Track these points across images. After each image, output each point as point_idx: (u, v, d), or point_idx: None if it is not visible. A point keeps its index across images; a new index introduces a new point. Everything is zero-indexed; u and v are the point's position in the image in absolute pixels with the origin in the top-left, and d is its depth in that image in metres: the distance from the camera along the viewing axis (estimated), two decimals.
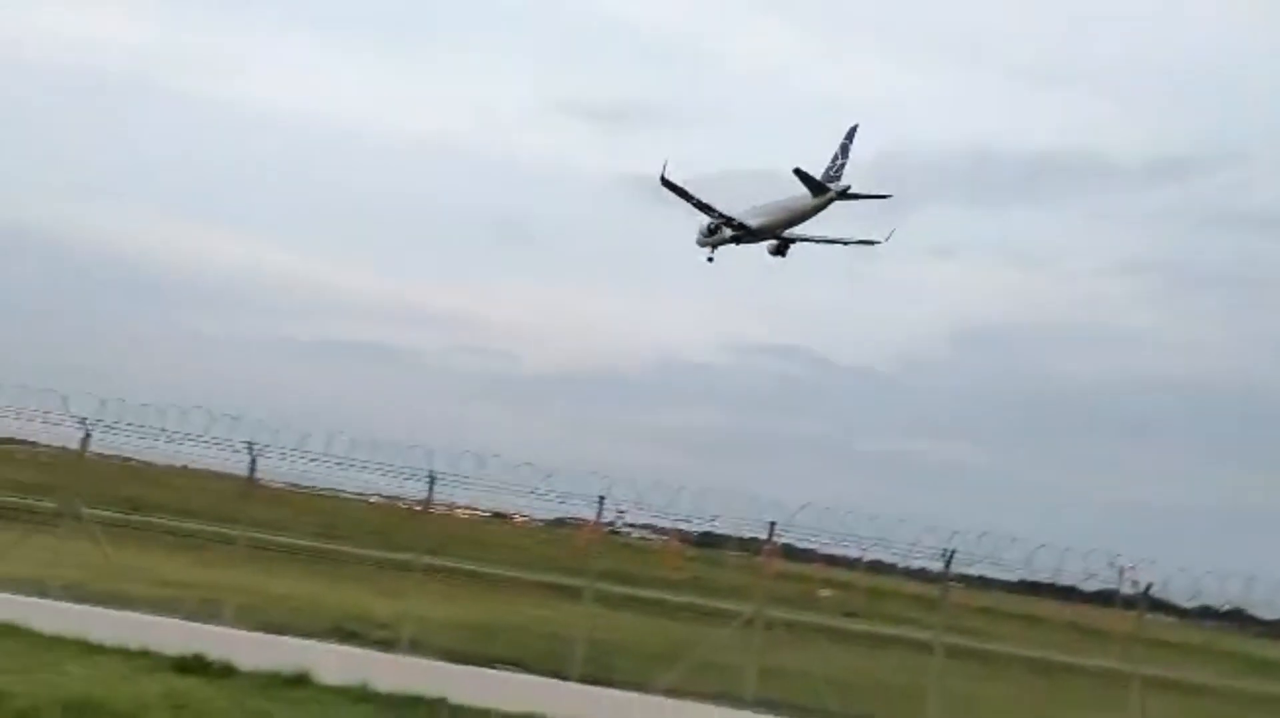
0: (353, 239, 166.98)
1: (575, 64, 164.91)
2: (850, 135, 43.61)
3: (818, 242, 46.88)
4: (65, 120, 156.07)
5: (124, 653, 14.21)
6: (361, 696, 13.84)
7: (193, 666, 13.91)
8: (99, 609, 15.74)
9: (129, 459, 25.80)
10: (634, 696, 15.11)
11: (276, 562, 25.09)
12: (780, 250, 47.84)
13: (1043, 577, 16.80)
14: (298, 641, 15.70)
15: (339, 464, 17.05)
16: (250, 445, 16.41)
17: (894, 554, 19.25)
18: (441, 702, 13.91)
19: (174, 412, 16.46)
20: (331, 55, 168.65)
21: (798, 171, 42.17)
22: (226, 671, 13.94)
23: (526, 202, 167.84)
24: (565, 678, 15.29)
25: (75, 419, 16.76)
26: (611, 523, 19.13)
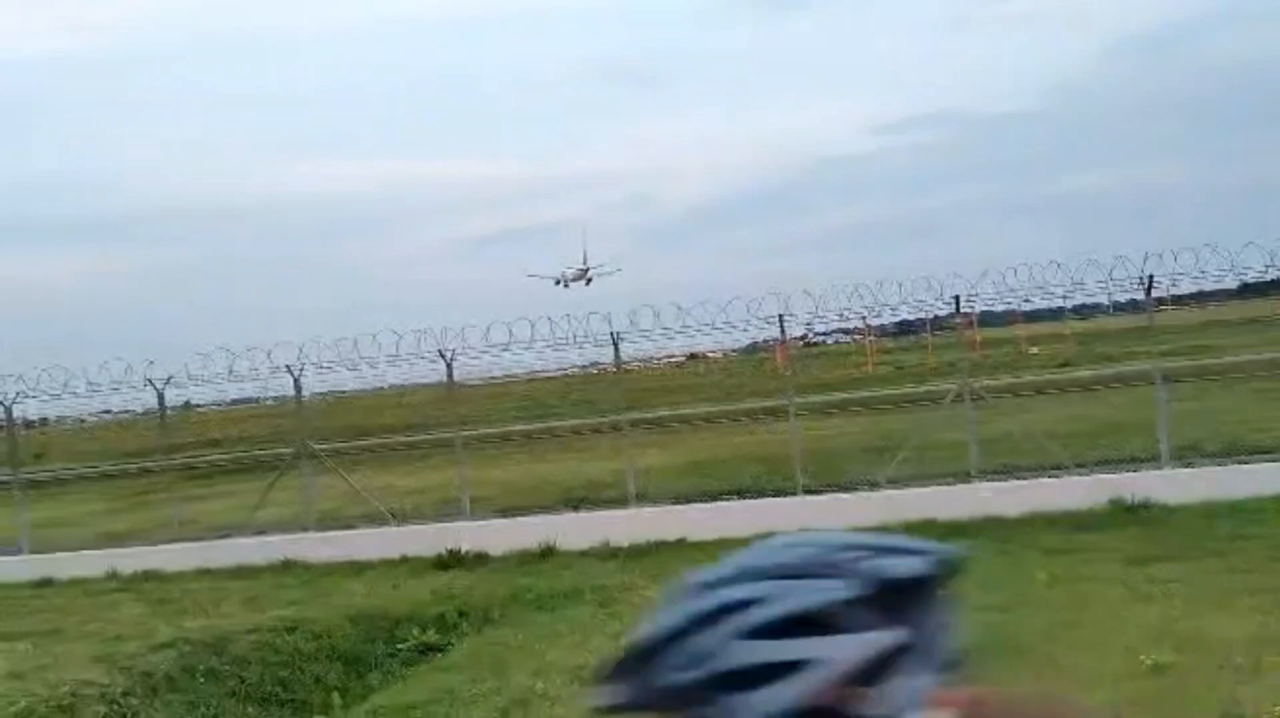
0: (483, 129, 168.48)
1: None
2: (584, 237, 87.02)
3: (603, 275, 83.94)
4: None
5: (388, 564, 15.41)
6: (606, 553, 14.62)
7: (449, 561, 14.98)
8: (355, 531, 17.08)
9: (337, 393, 27.32)
10: (859, 495, 15.39)
11: (495, 453, 26.42)
12: (588, 282, 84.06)
13: (1252, 277, 15.81)
14: (534, 518, 16.64)
15: (527, 348, 17.54)
16: (442, 353, 17.08)
17: (1094, 296, 18.50)
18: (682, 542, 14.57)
19: (366, 339, 17.20)
20: None
21: (561, 275, 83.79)
22: (481, 559, 14.96)
23: (628, 42, 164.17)
24: (790, 494, 15.67)
25: (284, 368, 17.72)
26: (803, 336, 19.12)
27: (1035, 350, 53.70)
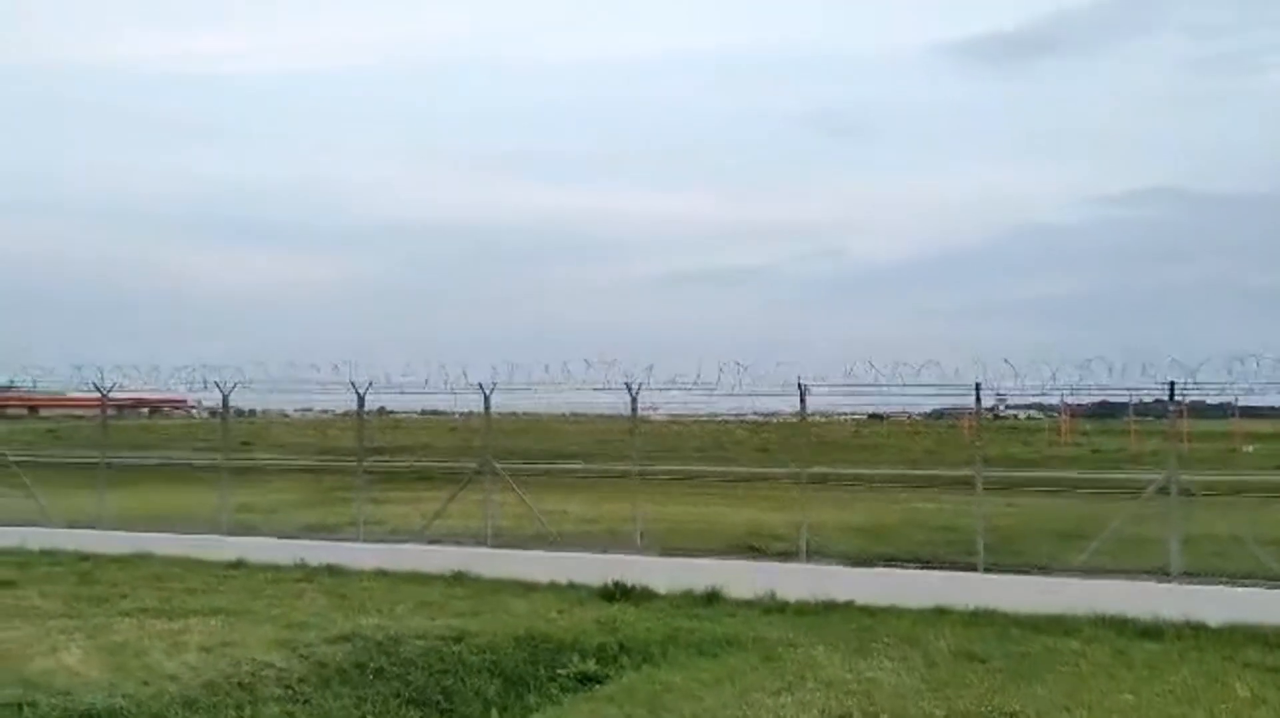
0: (683, 168, 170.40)
1: None
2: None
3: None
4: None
5: (555, 588, 15.61)
6: (772, 606, 14.35)
7: (615, 593, 15.03)
8: (526, 552, 17.39)
9: (523, 415, 28.04)
10: (1046, 579, 14.58)
11: (669, 490, 26.49)
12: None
13: None
14: (703, 560, 16.52)
15: (710, 390, 17.51)
16: (629, 385, 17.27)
17: None
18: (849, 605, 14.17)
19: (556, 364, 17.56)
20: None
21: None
22: (646, 594, 14.95)
23: (842, 91, 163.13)
24: (970, 569, 15.04)
25: (475, 386, 18.30)
26: (993, 408, 18.38)
27: (1250, 449, 50.07)
